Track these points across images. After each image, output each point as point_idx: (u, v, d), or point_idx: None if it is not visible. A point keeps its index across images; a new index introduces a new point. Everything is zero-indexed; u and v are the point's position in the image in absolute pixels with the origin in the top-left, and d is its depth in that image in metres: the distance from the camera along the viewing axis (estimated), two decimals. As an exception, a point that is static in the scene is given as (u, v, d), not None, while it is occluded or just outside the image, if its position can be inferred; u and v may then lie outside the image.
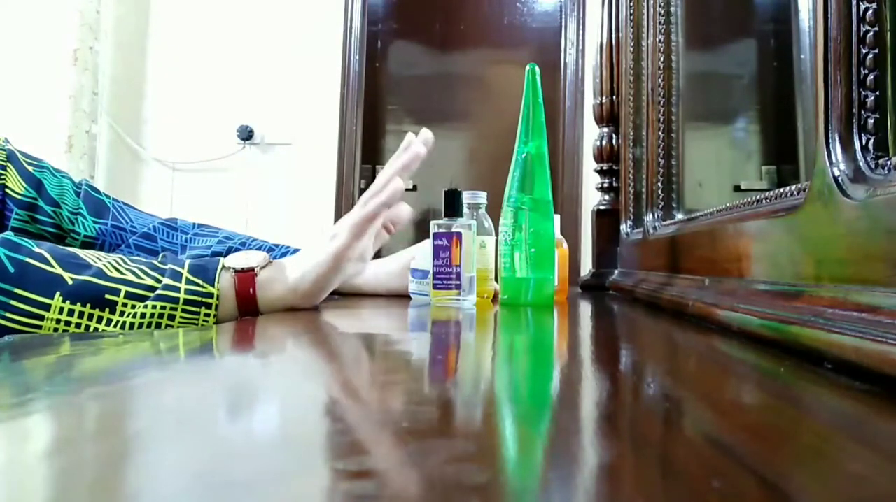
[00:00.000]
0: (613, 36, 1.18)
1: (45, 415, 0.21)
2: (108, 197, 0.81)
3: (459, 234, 0.71)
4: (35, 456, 0.16)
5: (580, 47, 2.26)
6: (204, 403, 0.23)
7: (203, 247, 0.80)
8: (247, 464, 0.16)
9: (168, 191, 2.39)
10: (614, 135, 1.19)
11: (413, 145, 0.65)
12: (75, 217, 0.76)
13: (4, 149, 0.72)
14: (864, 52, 0.33)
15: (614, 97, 1.18)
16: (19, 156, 0.74)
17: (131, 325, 0.50)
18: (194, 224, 0.83)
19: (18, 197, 0.72)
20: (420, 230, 2.38)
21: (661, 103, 0.88)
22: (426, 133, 0.67)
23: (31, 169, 0.74)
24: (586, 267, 1.63)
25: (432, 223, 0.73)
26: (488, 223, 0.82)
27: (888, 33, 0.32)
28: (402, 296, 0.82)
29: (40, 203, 0.73)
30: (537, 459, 0.18)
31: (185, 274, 0.53)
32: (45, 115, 2.20)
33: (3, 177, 0.71)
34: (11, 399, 0.23)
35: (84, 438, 0.19)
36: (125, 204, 0.82)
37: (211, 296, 0.53)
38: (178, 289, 0.52)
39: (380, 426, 0.19)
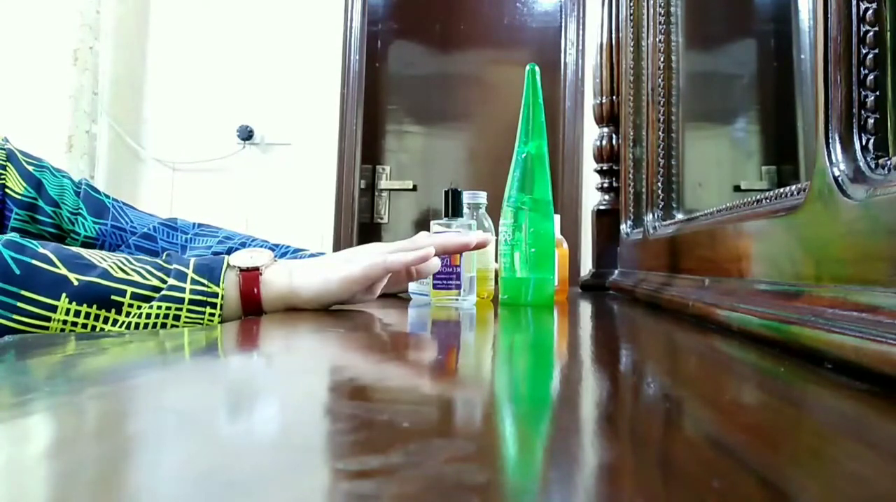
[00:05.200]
0: (613, 36, 1.18)
1: (45, 415, 0.21)
2: (107, 197, 0.81)
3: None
4: (35, 457, 0.16)
5: (580, 47, 2.26)
6: (204, 403, 0.23)
7: (203, 247, 0.80)
8: (247, 464, 0.16)
9: (168, 191, 2.39)
10: (614, 135, 1.19)
11: (478, 239, 0.66)
12: (75, 217, 0.76)
13: (4, 149, 0.72)
14: (864, 52, 0.33)
15: (614, 97, 1.18)
16: (19, 155, 0.74)
17: (137, 326, 0.50)
18: (194, 224, 0.83)
19: (18, 197, 0.72)
20: (420, 230, 2.38)
21: (661, 103, 0.87)
22: (489, 238, 0.68)
23: (30, 168, 0.74)
24: (586, 267, 1.63)
25: (432, 223, 0.73)
26: (488, 223, 0.82)
27: (888, 33, 0.32)
28: (401, 296, 0.82)
29: (40, 203, 0.73)
30: (537, 459, 0.18)
31: (191, 274, 0.53)
32: (45, 115, 2.20)
33: (2, 176, 0.71)
34: (11, 399, 0.23)
35: (84, 438, 0.19)
36: (125, 204, 0.82)
37: (216, 295, 0.53)
38: (183, 290, 0.52)
39: (380, 426, 0.19)
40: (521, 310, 0.66)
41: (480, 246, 0.67)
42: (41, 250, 0.49)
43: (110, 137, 2.39)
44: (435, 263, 0.67)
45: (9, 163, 0.72)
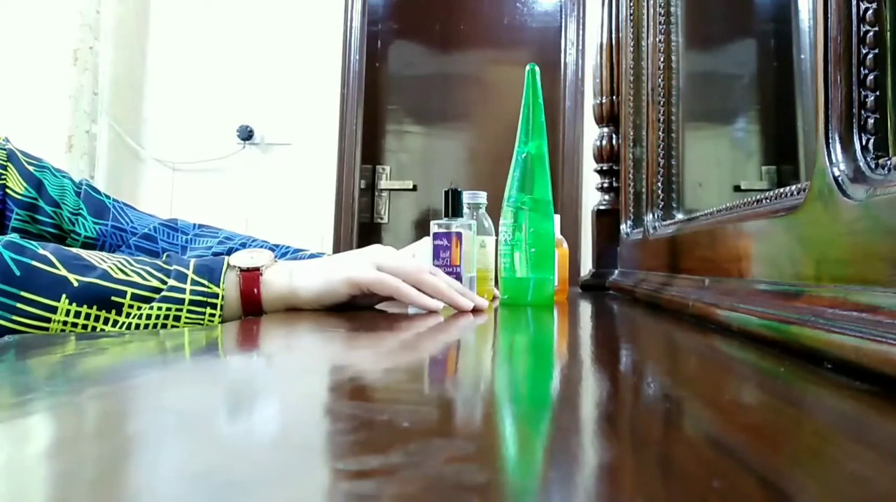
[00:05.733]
0: (613, 36, 1.18)
1: (45, 415, 0.21)
2: (108, 197, 0.81)
3: (459, 234, 0.72)
4: (35, 456, 0.16)
5: (580, 47, 2.26)
6: (204, 403, 0.23)
7: (203, 247, 0.80)
8: (247, 464, 0.16)
9: (168, 191, 2.39)
10: (614, 135, 1.19)
11: (470, 302, 0.63)
12: (76, 217, 0.76)
13: (5, 149, 0.72)
14: (864, 52, 0.33)
15: (614, 97, 1.18)
16: (20, 155, 0.74)
17: (137, 326, 0.50)
18: (195, 225, 0.83)
19: (19, 197, 0.72)
20: (420, 230, 2.38)
21: (661, 103, 0.87)
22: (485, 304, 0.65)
23: (31, 169, 0.74)
24: (586, 267, 1.63)
25: (432, 223, 0.73)
26: (488, 223, 0.82)
27: (888, 33, 0.32)
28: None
29: (41, 203, 0.73)
30: (537, 459, 0.18)
31: (191, 274, 0.53)
32: (45, 115, 2.20)
33: (3, 176, 0.71)
34: (11, 399, 0.23)
35: (84, 438, 0.19)
36: (125, 204, 0.82)
37: (216, 296, 0.53)
38: (183, 291, 0.52)
39: (380, 426, 0.19)
40: (521, 310, 0.66)
41: (479, 309, 0.64)
42: (41, 251, 0.49)
43: (110, 137, 2.39)
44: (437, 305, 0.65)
45: (9, 164, 0.72)
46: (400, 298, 0.60)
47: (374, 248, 0.64)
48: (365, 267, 0.59)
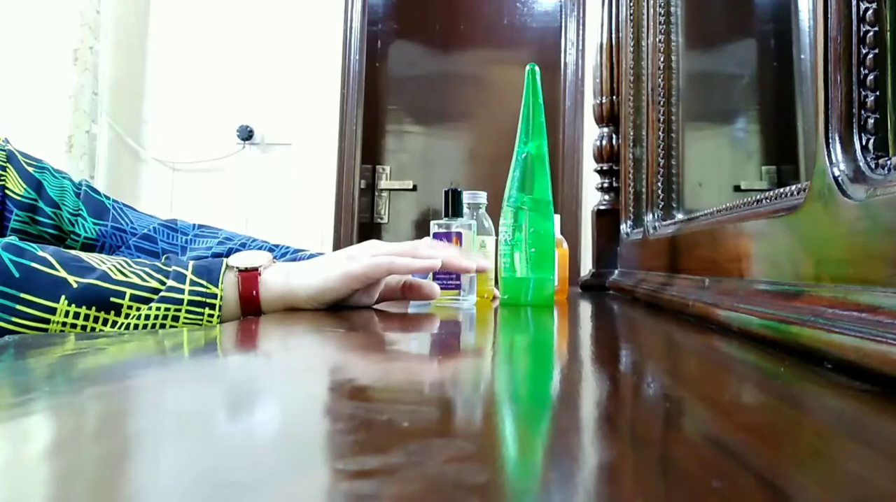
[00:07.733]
0: (613, 36, 1.18)
1: (45, 415, 0.21)
2: (107, 198, 0.81)
3: (459, 234, 0.72)
4: (35, 457, 0.16)
5: (580, 47, 2.26)
6: (204, 403, 0.23)
7: (203, 247, 0.80)
8: (247, 464, 0.16)
9: (168, 191, 2.39)
10: (614, 135, 1.19)
11: (479, 266, 0.65)
12: (75, 218, 0.76)
13: (4, 150, 0.72)
14: (864, 52, 0.33)
15: (614, 97, 1.18)
16: (19, 156, 0.73)
17: (136, 327, 0.50)
18: (195, 225, 0.83)
19: (18, 198, 0.72)
20: (420, 230, 2.38)
21: (661, 103, 0.87)
22: (489, 266, 0.66)
23: (31, 169, 0.74)
24: (586, 267, 1.63)
25: (432, 223, 0.73)
26: (488, 223, 0.82)
27: (888, 33, 0.32)
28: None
29: (40, 204, 0.73)
30: (537, 459, 0.18)
31: (189, 275, 0.54)
32: (45, 115, 2.20)
33: (2, 177, 0.71)
34: (11, 399, 0.23)
35: (84, 438, 0.19)
36: (125, 205, 0.82)
37: (214, 296, 0.53)
38: (181, 291, 0.52)
39: (380, 426, 0.19)
40: (521, 310, 0.66)
41: (480, 271, 0.67)
42: (40, 253, 0.50)
43: (110, 137, 2.39)
44: (435, 291, 0.66)
45: (9, 165, 0.72)
46: (397, 271, 0.61)
47: (368, 243, 0.64)
48: (363, 259, 0.60)
